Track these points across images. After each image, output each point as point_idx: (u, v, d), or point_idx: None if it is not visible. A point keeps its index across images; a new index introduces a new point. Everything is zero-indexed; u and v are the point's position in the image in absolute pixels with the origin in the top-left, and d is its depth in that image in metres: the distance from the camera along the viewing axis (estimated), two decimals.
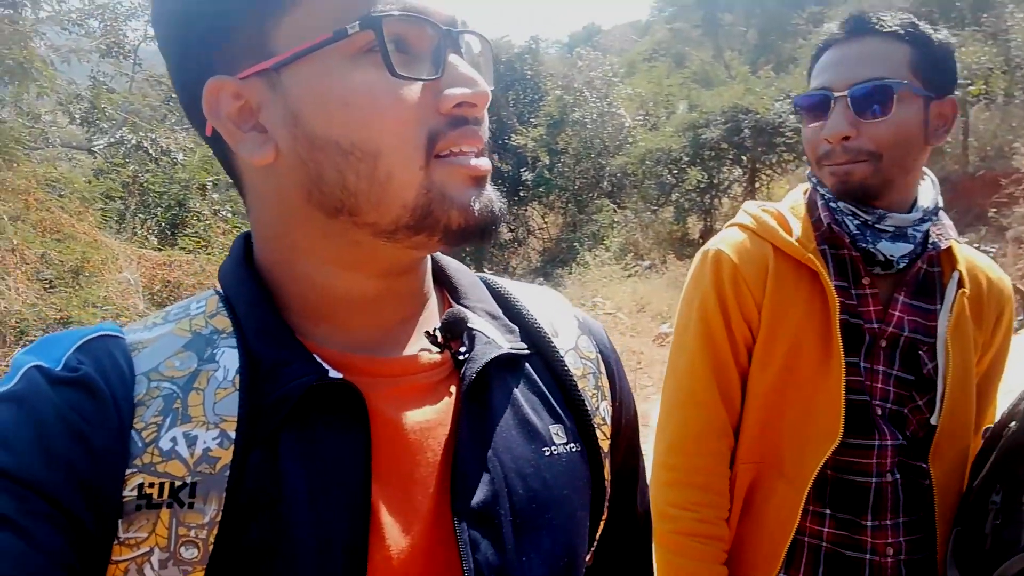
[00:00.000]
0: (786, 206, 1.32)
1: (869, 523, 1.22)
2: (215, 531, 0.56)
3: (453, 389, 0.69)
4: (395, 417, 0.65)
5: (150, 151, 9.62)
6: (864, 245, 1.23)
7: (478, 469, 0.65)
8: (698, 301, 1.30)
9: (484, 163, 0.64)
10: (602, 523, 0.78)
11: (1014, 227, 12.41)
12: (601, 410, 0.78)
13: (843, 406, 1.19)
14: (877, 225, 1.22)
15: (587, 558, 0.75)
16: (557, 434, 0.72)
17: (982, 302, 1.30)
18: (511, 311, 0.78)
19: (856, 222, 1.23)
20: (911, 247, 1.22)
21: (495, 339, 0.72)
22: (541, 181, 18.03)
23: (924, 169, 1.30)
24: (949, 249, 1.28)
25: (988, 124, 14.42)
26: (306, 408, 0.60)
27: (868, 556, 1.22)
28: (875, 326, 1.24)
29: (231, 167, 0.68)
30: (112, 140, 9.75)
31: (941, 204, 1.28)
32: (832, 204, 1.25)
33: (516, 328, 0.76)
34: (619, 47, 41.34)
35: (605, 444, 0.77)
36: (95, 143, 9.85)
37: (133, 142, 9.67)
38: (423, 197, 0.61)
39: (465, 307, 0.74)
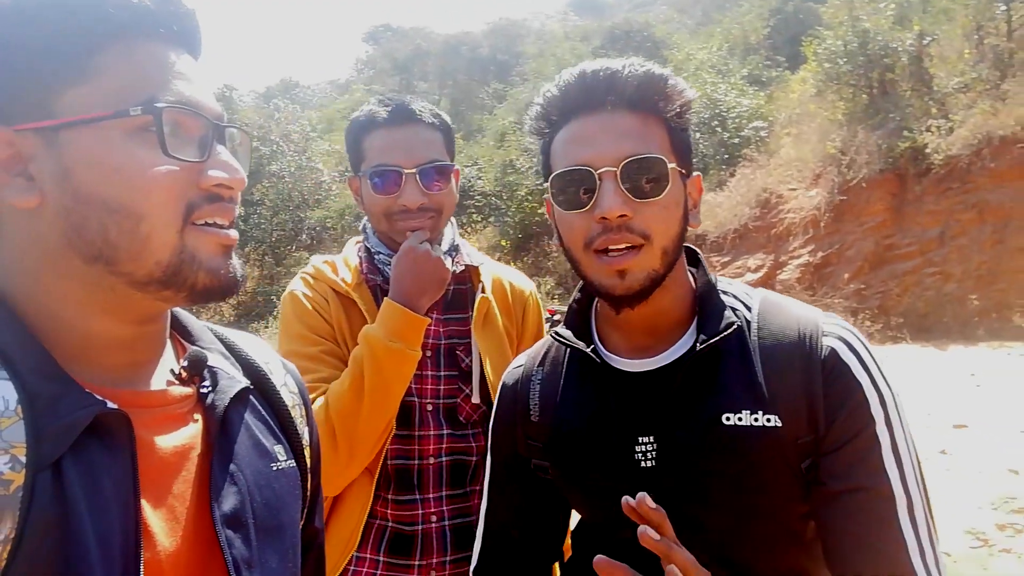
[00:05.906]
0: (340, 257, 1.71)
1: (418, 497, 1.58)
2: (8, 547, 0.61)
3: (199, 416, 0.82)
4: (156, 442, 0.76)
5: None
6: None
7: (228, 483, 0.79)
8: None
9: (233, 234, 0.78)
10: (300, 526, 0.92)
11: None
12: (305, 435, 0.96)
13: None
14: None
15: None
16: (280, 453, 0.88)
17: (508, 301, 1.76)
18: (234, 352, 0.92)
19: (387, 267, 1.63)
20: None
21: (234, 376, 0.87)
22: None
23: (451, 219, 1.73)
24: (477, 269, 1.72)
25: None
26: (82, 435, 0.68)
27: (420, 527, 1.57)
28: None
29: None
30: None
31: (457, 241, 1.72)
32: (374, 254, 1.67)
33: (240, 367, 0.91)
34: (318, 102, 41.39)
35: (309, 463, 0.96)
36: None
37: None
38: (176, 257, 0.74)
39: (201, 348, 0.87)
